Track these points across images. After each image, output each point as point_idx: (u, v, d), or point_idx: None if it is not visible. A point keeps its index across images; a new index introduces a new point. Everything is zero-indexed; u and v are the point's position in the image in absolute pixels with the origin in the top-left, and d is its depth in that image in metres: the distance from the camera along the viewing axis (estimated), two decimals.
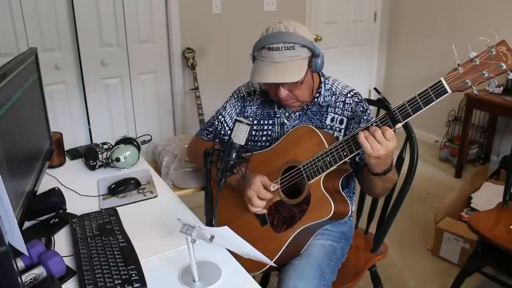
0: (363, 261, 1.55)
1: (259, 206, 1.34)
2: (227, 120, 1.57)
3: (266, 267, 1.34)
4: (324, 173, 1.28)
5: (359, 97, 1.46)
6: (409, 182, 1.48)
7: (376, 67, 4.30)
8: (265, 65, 1.31)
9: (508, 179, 1.93)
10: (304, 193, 1.32)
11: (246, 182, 1.34)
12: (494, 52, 1.03)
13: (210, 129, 1.61)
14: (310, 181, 1.30)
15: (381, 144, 1.13)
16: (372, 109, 1.53)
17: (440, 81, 1.08)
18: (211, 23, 3.20)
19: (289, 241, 1.32)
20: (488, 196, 2.49)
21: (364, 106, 1.44)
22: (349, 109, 1.44)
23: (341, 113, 1.44)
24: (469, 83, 1.06)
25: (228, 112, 1.57)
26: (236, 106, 1.56)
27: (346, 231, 1.54)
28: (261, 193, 1.32)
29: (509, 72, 1.03)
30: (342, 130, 1.44)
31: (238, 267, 1.10)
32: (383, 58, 4.29)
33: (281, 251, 1.33)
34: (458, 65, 1.07)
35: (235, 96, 1.58)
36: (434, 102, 1.10)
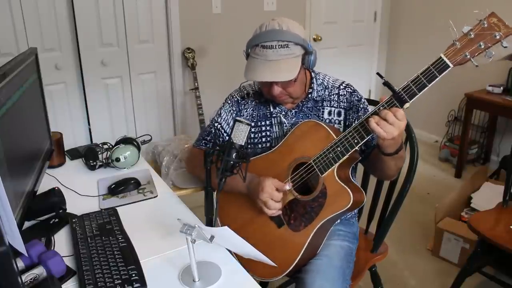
0: (363, 261, 1.55)
1: (275, 208, 1.33)
2: (224, 127, 1.54)
3: (283, 274, 1.33)
4: (337, 164, 1.27)
5: (352, 88, 1.48)
6: (409, 182, 1.48)
7: (376, 67, 4.30)
8: (259, 63, 1.32)
9: (508, 179, 1.93)
10: (319, 187, 1.31)
11: (257, 186, 1.34)
12: (486, 24, 1.09)
13: (208, 138, 1.58)
14: (324, 174, 1.29)
15: (393, 126, 1.14)
16: (371, 109, 1.54)
17: (441, 57, 1.13)
18: (211, 23, 3.20)
19: (310, 237, 1.31)
20: (488, 196, 2.49)
21: (358, 95, 1.46)
22: (345, 100, 1.45)
23: (337, 105, 1.45)
24: (468, 56, 1.10)
25: (224, 119, 1.55)
26: (232, 111, 1.55)
27: (355, 232, 1.56)
28: (275, 195, 1.31)
29: (502, 41, 1.08)
30: (342, 122, 1.45)
31: (238, 267, 1.10)
32: (383, 58, 4.29)
33: (303, 249, 1.31)
34: (455, 40, 1.12)
35: (229, 102, 1.56)
36: (438, 78, 1.13)
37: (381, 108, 1.18)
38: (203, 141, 1.60)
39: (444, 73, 1.12)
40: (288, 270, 1.33)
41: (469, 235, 2.17)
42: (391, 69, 4.29)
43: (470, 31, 1.10)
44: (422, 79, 1.14)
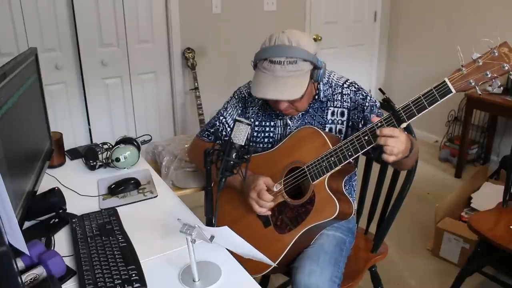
0: (363, 261, 1.55)
1: (264, 207, 1.34)
2: (228, 121, 1.56)
3: (269, 269, 1.34)
4: (329, 173, 1.28)
5: (356, 86, 1.46)
6: (409, 182, 1.48)
7: (376, 67, 4.30)
8: (267, 78, 1.31)
9: (508, 179, 1.93)
10: (309, 193, 1.32)
11: (250, 183, 1.34)
12: (496, 53, 1.05)
13: (211, 130, 1.61)
14: (315, 182, 1.30)
15: (397, 147, 1.12)
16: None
17: (444, 81, 1.10)
18: (211, 23, 3.20)
19: (293, 242, 1.33)
20: (488, 196, 2.49)
21: (363, 93, 1.44)
22: (348, 100, 1.44)
23: (340, 105, 1.44)
24: (473, 83, 1.08)
25: (229, 113, 1.57)
26: (238, 107, 1.56)
27: (351, 227, 1.56)
28: (264, 195, 1.32)
29: (511, 72, 1.05)
30: (345, 122, 1.44)
31: (238, 267, 1.10)
32: (383, 58, 4.29)
33: (285, 252, 1.33)
34: (462, 66, 1.08)
35: (236, 97, 1.58)
36: (439, 102, 1.11)
37: (378, 125, 1.17)
38: (206, 133, 1.63)
39: (445, 98, 1.10)
40: (268, 270, 1.35)
41: (469, 235, 2.17)
42: (391, 69, 4.29)
43: (479, 58, 1.06)
44: (423, 100, 1.12)
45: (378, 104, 1.42)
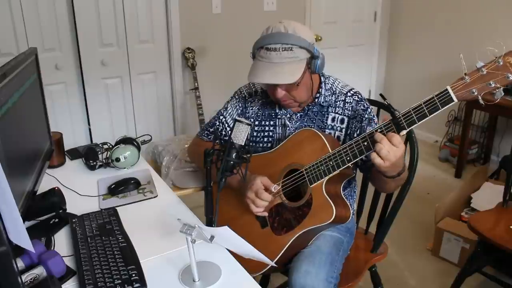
0: (363, 261, 1.55)
1: (260, 207, 1.34)
2: (228, 121, 1.57)
3: (267, 268, 1.34)
4: (327, 178, 1.28)
5: (359, 96, 1.46)
6: (409, 182, 1.48)
7: (376, 67, 4.30)
8: (263, 65, 1.32)
9: (508, 179, 1.93)
10: (306, 196, 1.32)
11: (248, 183, 1.35)
12: (501, 63, 1.02)
13: (211, 130, 1.61)
14: (312, 185, 1.30)
15: (389, 152, 1.12)
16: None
17: (447, 89, 1.07)
18: (211, 23, 3.20)
19: (289, 244, 1.33)
20: (488, 196, 2.49)
21: (365, 104, 1.44)
22: (350, 108, 1.44)
23: (341, 112, 1.45)
24: (475, 93, 1.05)
25: (229, 113, 1.57)
26: (238, 107, 1.57)
27: (350, 227, 1.56)
28: (262, 194, 1.32)
29: None
30: (343, 130, 1.45)
31: (238, 267, 1.10)
32: (383, 58, 4.29)
33: (281, 254, 1.33)
34: (465, 74, 1.06)
35: (237, 97, 1.58)
36: (440, 110, 1.09)
37: (378, 131, 1.16)
38: (206, 132, 1.64)
39: (447, 106, 1.08)
40: (265, 269, 1.36)
41: (469, 235, 2.17)
42: (391, 69, 4.29)
43: (483, 67, 1.04)
44: (424, 108, 1.10)
45: (376, 120, 1.42)
